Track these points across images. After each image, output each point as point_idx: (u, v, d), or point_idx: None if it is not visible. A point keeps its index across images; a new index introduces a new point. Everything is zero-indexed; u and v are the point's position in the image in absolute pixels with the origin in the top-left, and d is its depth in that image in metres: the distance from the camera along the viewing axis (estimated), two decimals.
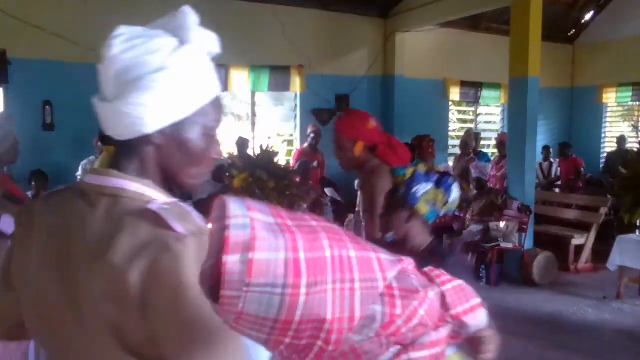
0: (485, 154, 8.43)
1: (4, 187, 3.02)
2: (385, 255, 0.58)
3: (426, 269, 0.66)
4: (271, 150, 3.79)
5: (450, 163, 8.77)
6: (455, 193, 1.95)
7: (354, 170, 2.66)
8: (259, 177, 3.55)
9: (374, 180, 2.44)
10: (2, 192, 2.96)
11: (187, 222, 0.87)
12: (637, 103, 9.92)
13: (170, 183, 0.99)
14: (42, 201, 1.01)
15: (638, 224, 5.39)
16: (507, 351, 4.68)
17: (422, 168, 1.96)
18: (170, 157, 0.95)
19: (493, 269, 6.04)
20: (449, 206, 1.96)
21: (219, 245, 0.54)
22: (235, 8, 7.25)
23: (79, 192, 0.94)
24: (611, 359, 4.26)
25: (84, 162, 5.61)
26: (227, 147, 7.11)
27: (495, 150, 8.49)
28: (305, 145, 7.20)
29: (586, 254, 6.69)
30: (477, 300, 0.67)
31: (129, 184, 0.91)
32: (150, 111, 0.89)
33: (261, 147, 3.81)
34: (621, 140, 8.74)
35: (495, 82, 9.19)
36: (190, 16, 0.93)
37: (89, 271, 0.87)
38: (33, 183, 5.67)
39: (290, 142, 8.13)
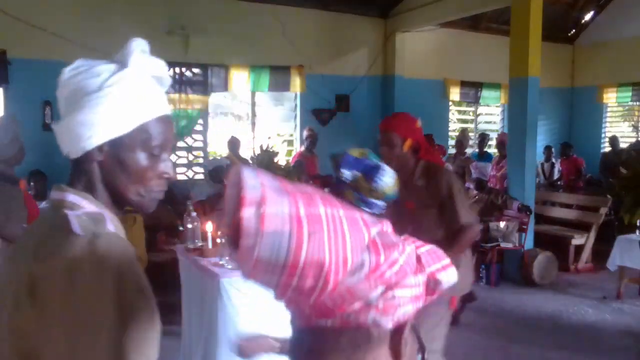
0: (490, 155, 8.44)
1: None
2: (367, 217, 0.71)
3: (402, 236, 0.76)
4: (271, 150, 3.79)
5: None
6: (384, 180, 1.94)
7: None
8: None
9: (447, 177, 2.74)
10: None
11: (95, 226, 0.94)
12: (637, 103, 9.92)
13: (117, 199, 1.04)
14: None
15: (638, 224, 5.38)
16: (507, 351, 4.67)
17: (354, 153, 1.97)
18: (111, 174, 1.01)
19: (493, 269, 6.04)
20: (378, 194, 1.96)
21: (236, 203, 0.65)
22: (235, 8, 7.25)
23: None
24: (611, 359, 4.26)
25: None
26: (224, 148, 7.13)
27: (495, 150, 8.49)
28: (303, 148, 7.21)
29: (586, 254, 6.69)
30: (448, 260, 0.76)
31: (68, 196, 0.99)
32: (87, 129, 0.96)
33: (261, 147, 3.81)
34: (614, 140, 8.74)
35: (495, 82, 9.20)
36: (134, 43, 1.00)
37: (9, 266, 0.98)
38: (32, 183, 5.67)
39: (290, 142, 8.13)
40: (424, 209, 2.76)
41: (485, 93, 9.38)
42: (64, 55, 6.12)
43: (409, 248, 0.71)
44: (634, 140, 9.57)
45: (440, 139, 9.02)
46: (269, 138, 7.35)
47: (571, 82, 10.59)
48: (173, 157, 7.11)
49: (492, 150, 8.92)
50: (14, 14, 5.91)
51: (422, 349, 0.94)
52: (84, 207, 0.98)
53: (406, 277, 0.69)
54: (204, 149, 7.45)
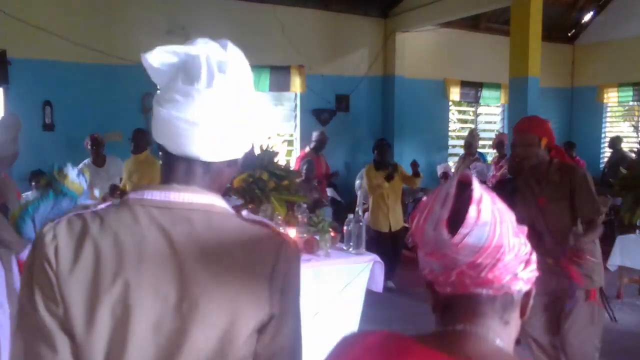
0: (482, 154, 8.42)
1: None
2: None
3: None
4: (271, 150, 3.78)
5: (451, 163, 8.77)
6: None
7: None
8: (259, 177, 3.55)
9: (582, 172, 3.03)
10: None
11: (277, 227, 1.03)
12: (638, 103, 9.91)
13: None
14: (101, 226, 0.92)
15: (638, 224, 5.38)
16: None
17: None
18: (226, 183, 1.06)
19: None
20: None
21: (463, 197, 0.85)
22: (235, 8, 7.25)
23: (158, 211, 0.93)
24: (611, 359, 4.26)
25: (80, 166, 5.57)
26: None
27: (493, 150, 8.49)
28: (309, 149, 7.15)
29: None
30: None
31: (217, 200, 0.98)
32: (250, 138, 1.02)
33: (261, 147, 3.81)
34: (615, 141, 8.73)
35: (495, 82, 9.19)
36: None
37: (217, 287, 0.90)
38: (33, 183, 5.67)
39: (290, 142, 8.12)
40: (555, 202, 3.03)
41: (485, 93, 9.38)
42: (64, 55, 6.16)
43: (523, 236, 0.91)
44: (634, 140, 9.56)
45: (440, 139, 9.04)
46: (269, 138, 7.35)
47: (571, 82, 10.58)
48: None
49: (485, 150, 8.93)
50: (14, 14, 5.91)
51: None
52: (231, 210, 1.01)
53: (528, 254, 0.89)
54: None
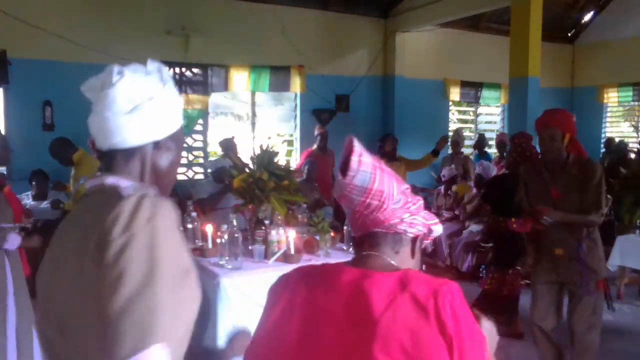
0: (489, 155, 8.44)
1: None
2: (399, 178, 1.26)
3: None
4: (271, 150, 3.78)
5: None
6: None
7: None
8: (259, 177, 3.55)
9: (600, 169, 3.13)
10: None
11: (137, 193, 1.02)
12: (638, 103, 9.91)
13: (159, 189, 1.17)
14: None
15: (638, 224, 5.38)
16: (507, 350, 4.65)
17: None
18: (159, 166, 1.17)
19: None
20: None
21: (348, 151, 1.18)
22: (235, 8, 7.25)
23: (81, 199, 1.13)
24: (611, 359, 4.26)
25: None
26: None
27: (495, 150, 8.50)
28: (314, 147, 7.14)
29: None
30: (437, 220, 1.30)
31: (122, 182, 1.09)
32: (154, 124, 1.13)
33: (261, 147, 3.81)
34: (610, 142, 8.73)
35: (495, 82, 9.20)
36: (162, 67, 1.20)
37: (75, 255, 1.00)
38: (33, 183, 5.67)
39: (290, 142, 8.12)
40: (569, 195, 3.14)
41: (485, 93, 9.38)
42: (64, 55, 6.16)
43: (421, 202, 1.26)
44: (634, 140, 9.56)
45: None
46: (269, 138, 7.35)
47: (571, 82, 10.59)
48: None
49: (492, 150, 8.94)
50: (14, 14, 5.91)
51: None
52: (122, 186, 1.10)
53: (420, 212, 1.24)
54: (204, 149, 7.45)
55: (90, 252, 0.94)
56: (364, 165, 1.16)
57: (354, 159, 1.16)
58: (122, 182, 1.08)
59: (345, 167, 1.17)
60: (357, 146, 1.17)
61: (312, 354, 1.12)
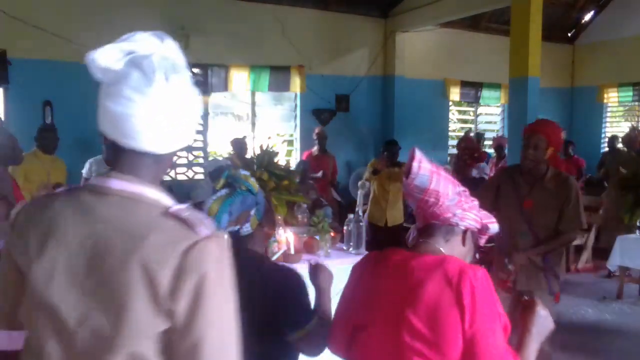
0: (488, 155, 8.44)
1: (12, 199, 3.06)
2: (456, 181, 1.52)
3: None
4: (271, 150, 3.78)
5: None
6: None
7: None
8: (259, 177, 3.55)
9: (576, 187, 3.07)
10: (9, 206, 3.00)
11: (206, 226, 0.99)
12: (638, 103, 9.91)
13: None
14: (47, 205, 1.05)
15: (638, 224, 5.38)
16: None
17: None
18: (164, 171, 1.13)
19: (492, 269, 6.01)
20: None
21: (411, 158, 1.44)
22: (235, 8, 7.25)
23: (93, 196, 1.02)
24: (611, 359, 4.26)
25: (91, 160, 5.56)
26: (224, 148, 7.11)
27: (492, 150, 8.50)
28: (315, 148, 7.15)
29: (586, 254, 6.69)
30: (494, 219, 1.55)
31: (148, 191, 1.03)
32: (187, 131, 1.07)
33: (261, 147, 3.81)
34: (613, 140, 8.71)
35: (495, 82, 9.20)
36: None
37: (122, 271, 0.93)
38: None
39: (290, 142, 8.12)
40: (544, 210, 3.06)
41: (485, 93, 9.38)
42: (64, 55, 6.15)
43: (475, 202, 1.51)
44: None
45: (440, 139, 9.04)
46: (269, 138, 7.35)
47: (571, 82, 10.58)
48: (173, 157, 7.10)
49: (490, 150, 8.93)
50: (14, 14, 5.91)
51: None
52: (168, 203, 1.05)
53: (472, 210, 1.49)
54: (204, 149, 7.45)
55: (152, 285, 0.92)
56: (423, 169, 1.43)
57: (415, 164, 1.43)
58: (162, 197, 1.04)
59: (408, 171, 1.44)
60: (418, 154, 1.44)
61: (367, 313, 1.45)
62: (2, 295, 1.08)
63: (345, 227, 3.65)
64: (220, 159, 6.96)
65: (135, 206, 1.00)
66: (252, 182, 1.80)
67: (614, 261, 5.44)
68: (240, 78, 7.32)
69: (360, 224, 3.65)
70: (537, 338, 1.44)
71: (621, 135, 9.01)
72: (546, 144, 3.02)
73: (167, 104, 1.00)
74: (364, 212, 5.81)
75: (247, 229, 1.76)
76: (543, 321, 1.45)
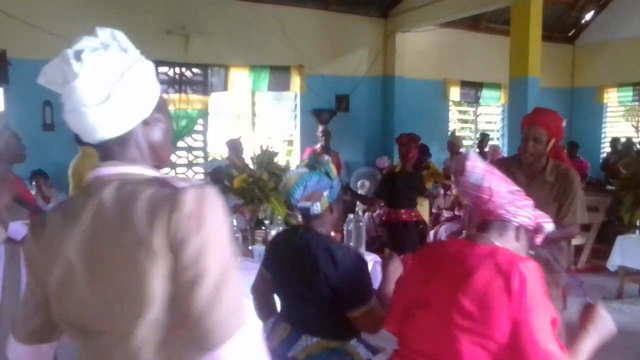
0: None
1: (15, 191, 3.04)
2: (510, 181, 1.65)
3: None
4: (271, 150, 3.78)
5: None
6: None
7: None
8: (259, 177, 3.55)
9: (577, 179, 2.95)
10: (13, 197, 2.98)
11: (187, 182, 1.01)
12: (638, 103, 9.91)
13: (159, 165, 1.15)
14: (58, 212, 1.10)
15: (638, 224, 5.38)
16: None
17: None
18: (155, 141, 1.12)
19: None
20: None
21: (465, 159, 1.58)
22: (235, 8, 7.25)
23: (88, 191, 1.06)
24: (611, 359, 4.26)
25: None
26: (224, 148, 7.09)
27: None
28: (318, 145, 7.13)
29: (586, 254, 6.68)
30: (551, 220, 1.65)
31: (131, 168, 1.06)
32: (136, 104, 1.06)
33: (261, 147, 3.81)
34: (615, 141, 8.72)
35: (495, 82, 9.19)
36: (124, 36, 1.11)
37: (117, 247, 0.98)
38: (34, 183, 5.66)
39: (290, 142, 8.12)
40: (544, 205, 2.82)
41: (485, 93, 9.38)
42: None
43: (530, 202, 1.63)
44: (634, 140, 9.55)
45: (440, 139, 9.02)
46: (269, 138, 7.35)
47: (571, 82, 10.58)
48: (173, 157, 7.11)
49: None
50: (14, 14, 5.91)
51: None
52: (152, 174, 1.08)
53: (524, 208, 1.60)
54: (204, 149, 7.45)
55: (158, 249, 0.95)
56: (477, 169, 1.55)
57: (469, 164, 1.56)
58: (145, 171, 1.07)
59: (462, 170, 1.56)
60: (473, 155, 1.58)
61: (424, 293, 1.58)
62: (33, 311, 1.13)
63: (345, 227, 3.65)
64: (220, 159, 6.97)
65: (123, 185, 1.03)
66: (332, 167, 1.94)
67: (614, 261, 5.44)
68: (240, 78, 7.32)
69: (360, 224, 3.65)
70: (595, 337, 1.53)
71: (622, 136, 9.05)
72: (547, 137, 2.86)
73: (85, 91, 1.00)
74: (364, 212, 5.81)
75: (316, 208, 1.88)
76: (603, 321, 1.55)
